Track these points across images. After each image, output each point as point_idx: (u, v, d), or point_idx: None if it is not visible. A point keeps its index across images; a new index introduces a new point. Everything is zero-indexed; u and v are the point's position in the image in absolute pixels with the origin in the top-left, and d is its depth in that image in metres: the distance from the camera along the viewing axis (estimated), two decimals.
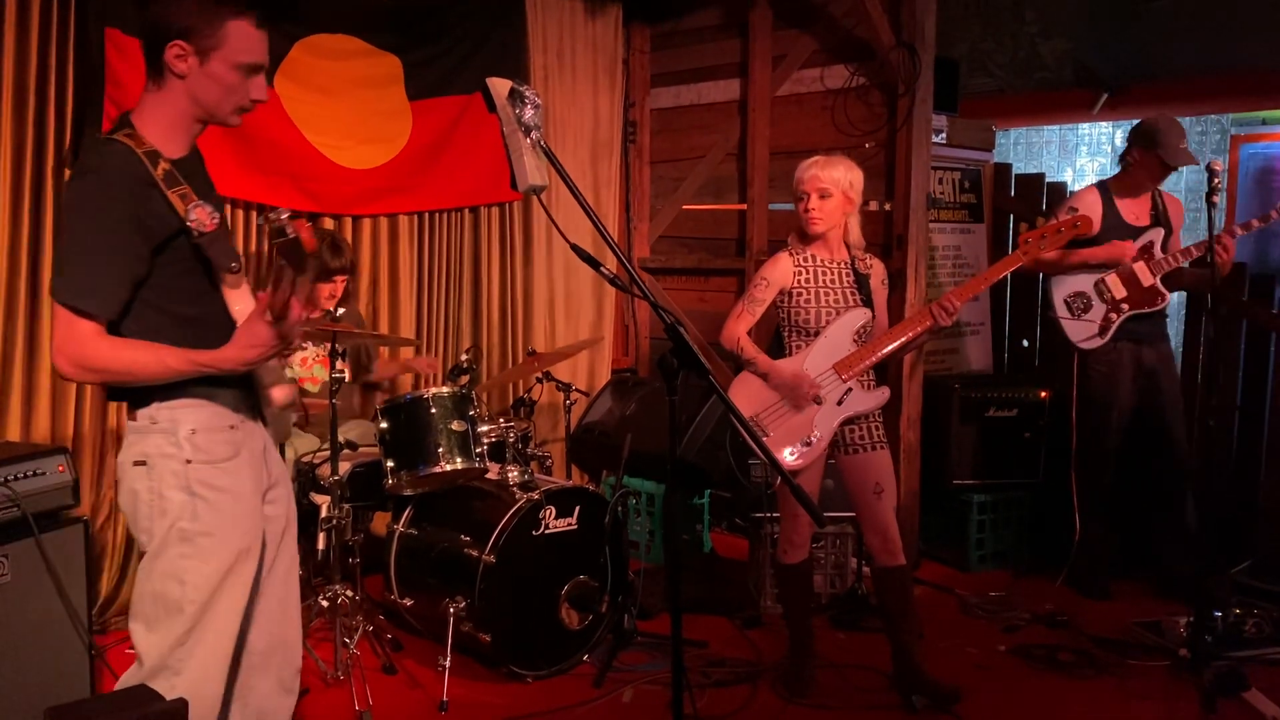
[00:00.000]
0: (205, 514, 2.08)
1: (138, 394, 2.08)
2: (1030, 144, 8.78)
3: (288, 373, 4.03)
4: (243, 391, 2.20)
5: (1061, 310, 4.28)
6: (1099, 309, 4.21)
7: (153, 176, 2.02)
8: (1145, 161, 4.16)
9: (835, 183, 3.25)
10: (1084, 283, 4.23)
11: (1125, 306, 4.17)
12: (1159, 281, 4.15)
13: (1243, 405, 4.63)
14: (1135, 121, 4.31)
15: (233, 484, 2.13)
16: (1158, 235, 4.18)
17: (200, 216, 2.02)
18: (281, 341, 2.01)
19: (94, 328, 1.98)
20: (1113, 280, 4.19)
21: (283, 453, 3.44)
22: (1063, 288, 4.29)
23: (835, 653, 3.74)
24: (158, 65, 2.06)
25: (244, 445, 2.18)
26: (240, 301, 2.15)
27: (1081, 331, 4.24)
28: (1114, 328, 4.19)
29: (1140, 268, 4.17)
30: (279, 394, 2.24)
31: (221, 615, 2.12)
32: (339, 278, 4.05)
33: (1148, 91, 6.08)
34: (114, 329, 2.02)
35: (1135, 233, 4.21)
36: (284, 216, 1.88)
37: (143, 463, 2.08)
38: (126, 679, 2.16)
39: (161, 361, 2.01)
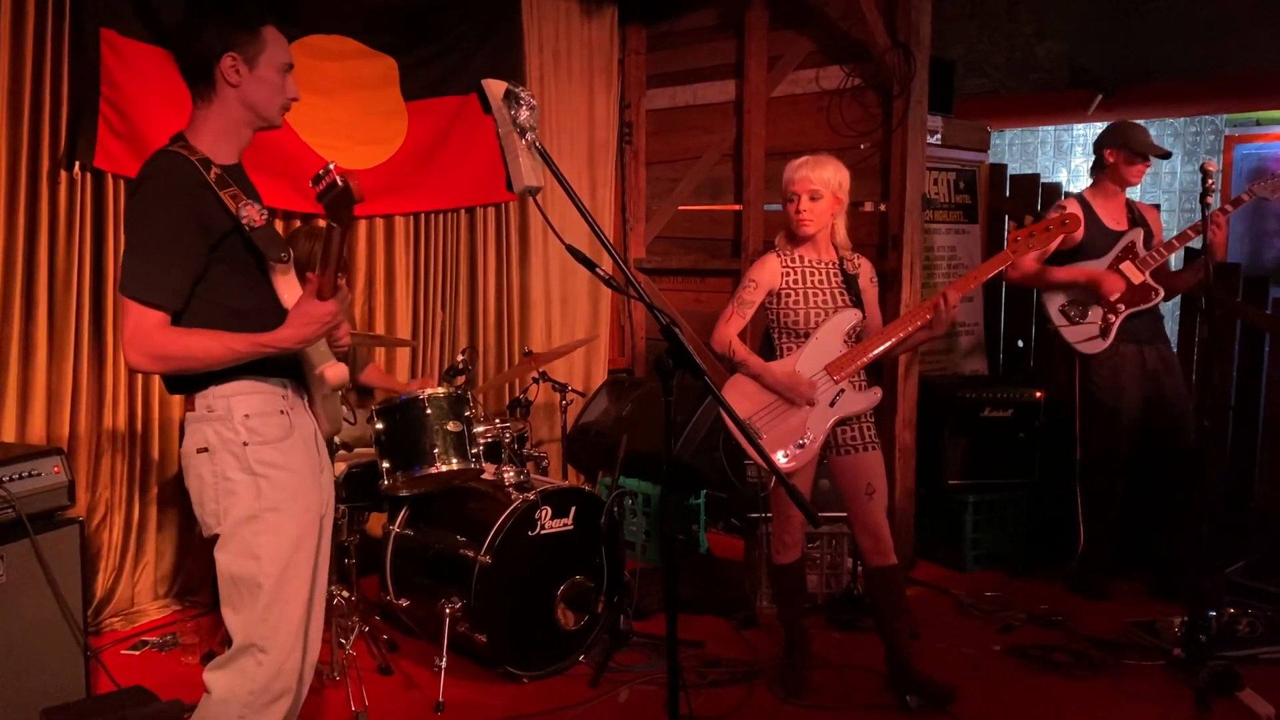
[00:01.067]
0: (268, 491, 2.20)
1: (194, 383, 2.20)
2: (1025, 145, 8.80)
3: None
4: (291, 379, 2.32)
5: (1059, 319, 4.28)
6: (1096, 311, 4.21)
7: (206, 179, 2.16)
8: (1118, 158, 4.23)
9: (825, 183, 3.25)
10: (1078, 288, 4.25)
11: (1121, 306, 4.18)
12: (1149, 277, 4.17)
13: (1237, 406, 4.64)
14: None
15: (289, 461, 2.25)
16: (1138, 235, 4.22)
17: (250, 214, 2.18)
18: (333, 318, 2.15)
19: (162, 318, 2.11)
20: (1104, 273, 4.19)
21: (332, 449, 3.45)
22: (1056, 297, 4.30)
23: (831, 653, 3.74)
24: (209, 82, 2.22)
25: (295, 428, 2.29)
26: (289, 290, 2.28)
27: (1082, 335, 4.24)
28: (1114, 329, 4.18)
29: (1128, 267, 4.19)
30: (331, 373, 2.36)
31: (295, 588, 2.25)
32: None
33: (1142, 93, 6.10)
34: (175, 322, 2.14)
35: (1116, 237, 4.24)
36: (331, 167, 2.01)
37: (205, 449, 2.20)
38: (219, 660, 2.24)
39: (226, 345, 2.13)
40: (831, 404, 3.28)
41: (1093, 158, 4.42)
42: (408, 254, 4.81)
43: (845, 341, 3.31)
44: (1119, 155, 4.24)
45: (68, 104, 3.74)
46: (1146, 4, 6.03)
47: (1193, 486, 4.23)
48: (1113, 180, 4.28)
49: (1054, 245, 4.18)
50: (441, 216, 4.93)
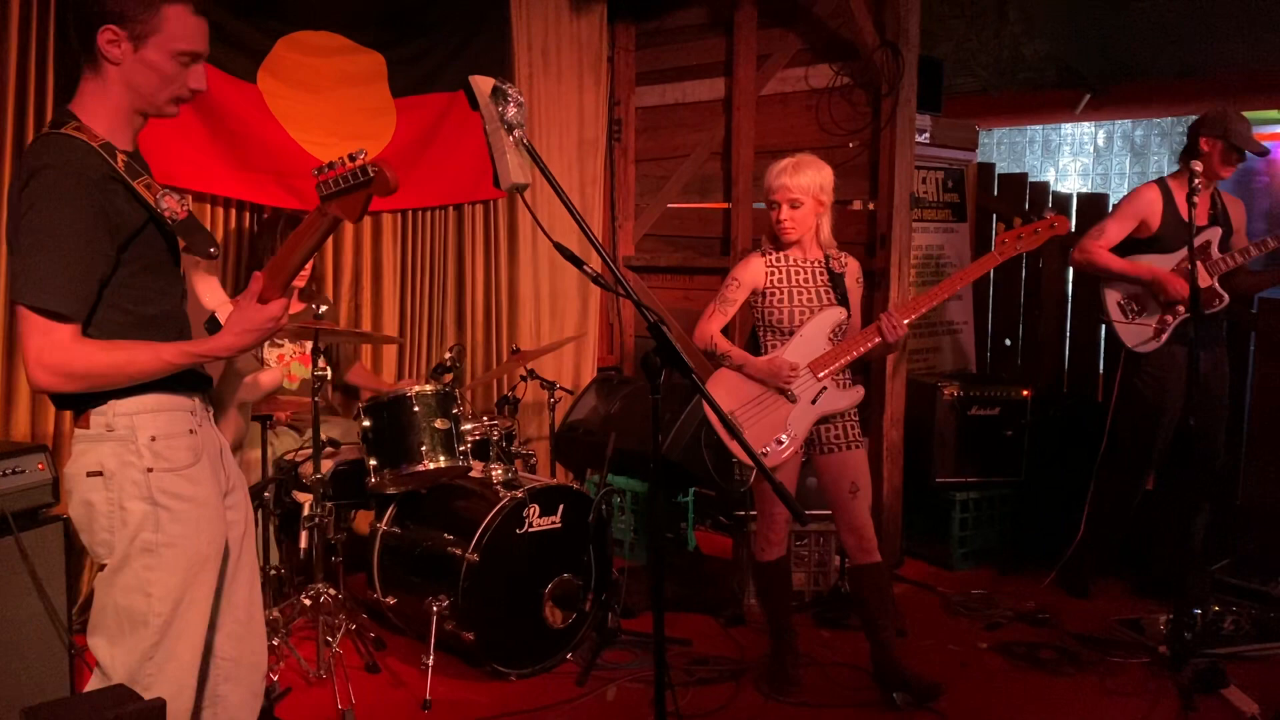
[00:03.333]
0: (168, 524, 2.01)
1: (91, 398, 1.97)
2: (1013, 144, 8.83)
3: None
4: (201, 392, 2.15)
5: (1115, 313, 4.16)
6: (1154, 310, 4.09)
7: (114, 169, 1.94)
8: (1214, 149, 4.01)
9: (805, 190, 3.25)
10: (1139, 283, 4.10)
11: (1181, 309, 4.02)
12: (1216, 282, 4.01)
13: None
14: (1116, 122, 4.32)
15: (195, 491, 2.06)
16: (1215, 235, 4.04)
17: (171, 205, 1.98)
18: (275, 324, 1.98)
19: (72, 331, 1.89)
20: (1169, 275, 4.04)
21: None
22: (1116, 290, 4.17)
23: (818, 650, 3.75)
24: (91, 53, 1.96)
25: (203, 450, 2.11)
26: (210, 292, 2.12)
27: (1136, 335, 4.12)
28: (1169, 330, 4.06)
29: (1198, 268, 3.97)
30: (266, 379, 2.23)
31: (189, 626, 2.06)
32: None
33: (1129, 92, 6.13)
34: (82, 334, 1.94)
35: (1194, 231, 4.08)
36: (360, 152, 1.84)
37: (98, 473, 1.98)
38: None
39: (157, 356, 1.94)
40: (813, 401, 3.29)
41: (1080, 158, 4.39)
42: (395, 251, 4.80)
43: (830, 339, 3.31)
44: (1215, 146, 4.00)
45: (52, 100, 3.70)
46: (1134, 4, 6.06)
47: (1209, 491, 4.16)
48: (1203, 170, 3.95)
49: (1113, 231, 4.06)
50: (429, 213, 4.91)
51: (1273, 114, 7.36)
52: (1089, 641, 3.79)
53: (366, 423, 3.58)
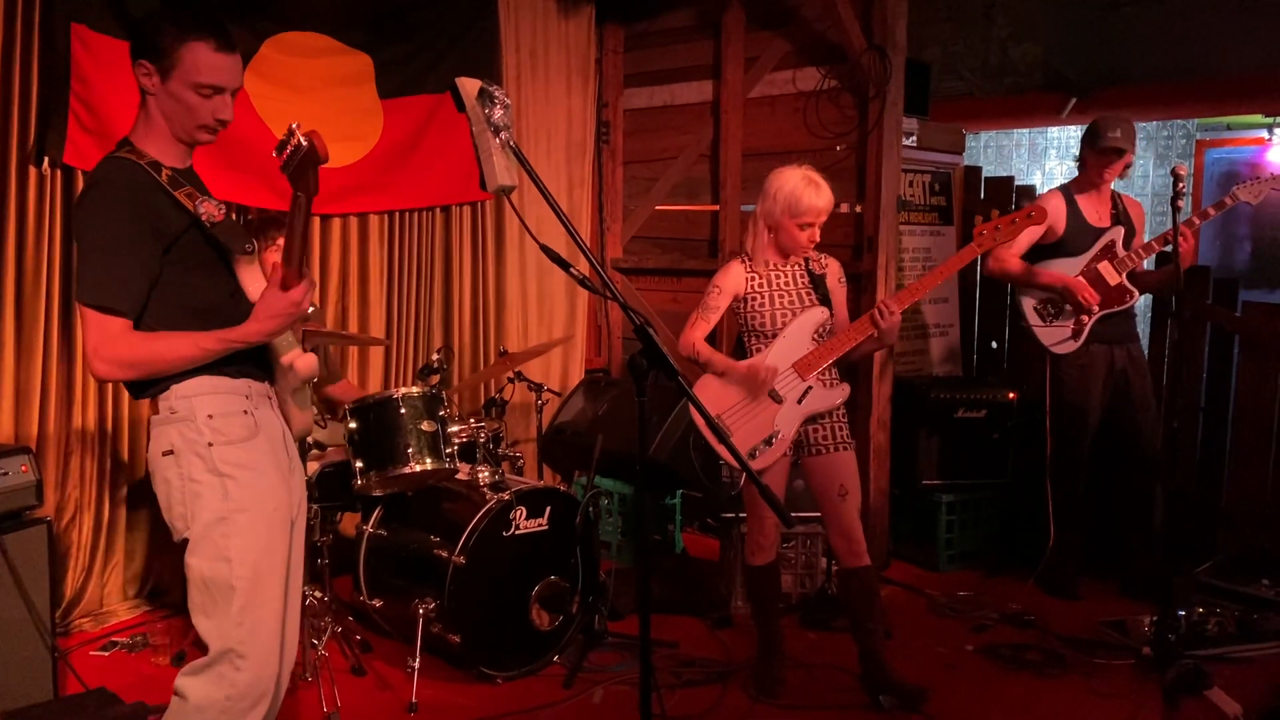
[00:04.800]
0: (235, 491, 2.17)
1: (157, 386, 2.18)
2: (1000, 147, 8.86)
3: None
4: (254, 377, 2.30)
5: (1033, 318, 4.31)
6: (1069, 313, 4.24)
7: (157, 182, 2.15)
8: (1091, 157, 4.23)
9: (830, 207, 3.30)
10: (1052, 289, 4.26)
11: (1096, 309, 4.21)
12: (1125, 279, 4.20)
13: (1206, 407, 4.69)
14: None
15: (255, 461, 2.22)
16: (1119, 234, 4.23)
17: (209, 209, 2.18)
18: (298, 308, 2.13)
19: (124, 324, 2.09)
20: (1079, 284, 4.22)
21: (304, 449, 3.41)
22: (1032, 295, 4.33)
23: (805, 653, 3.75)
24: (139, 85, 2.19)
25: (261, 428, 2.26)
26: (254, 282, 2.28)
27: (1054, 336, 4.27)
28: (1086, 330, 4.21)
29: (1105, 267, 4.21)
30: (300, 364, 2.35)
31: (269, 589, 2.21)
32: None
33: (1115, 96, 6.16)
34: (135, 328, 2.12)
35: (1097, 233, 4.25)
36: (294, 127, 1.97)
37: (170, 452, 2.18)
38: (194, 666, 2.19)
39: (196, 344, 2.12)
40: (799, 401, 3.30)
41: (1067, 161, 4.45)
42: (382, 252, 4.79)
43: (813, 339, 3.33)
44: (1089, 153, 4.24)
45: (37, 99, 3.69)
46: (1120, 8, 6.09)
47: (1150, 484, 4.28)
48: (1092, 177, 4.27)
49: (1024, 239, 4.20)
50: (417, 215, 4.90)
51: (1257, 118, 7.40)
52: (1074, 643, 3.81)
53: (353, 425, 3.57)
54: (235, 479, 2.18)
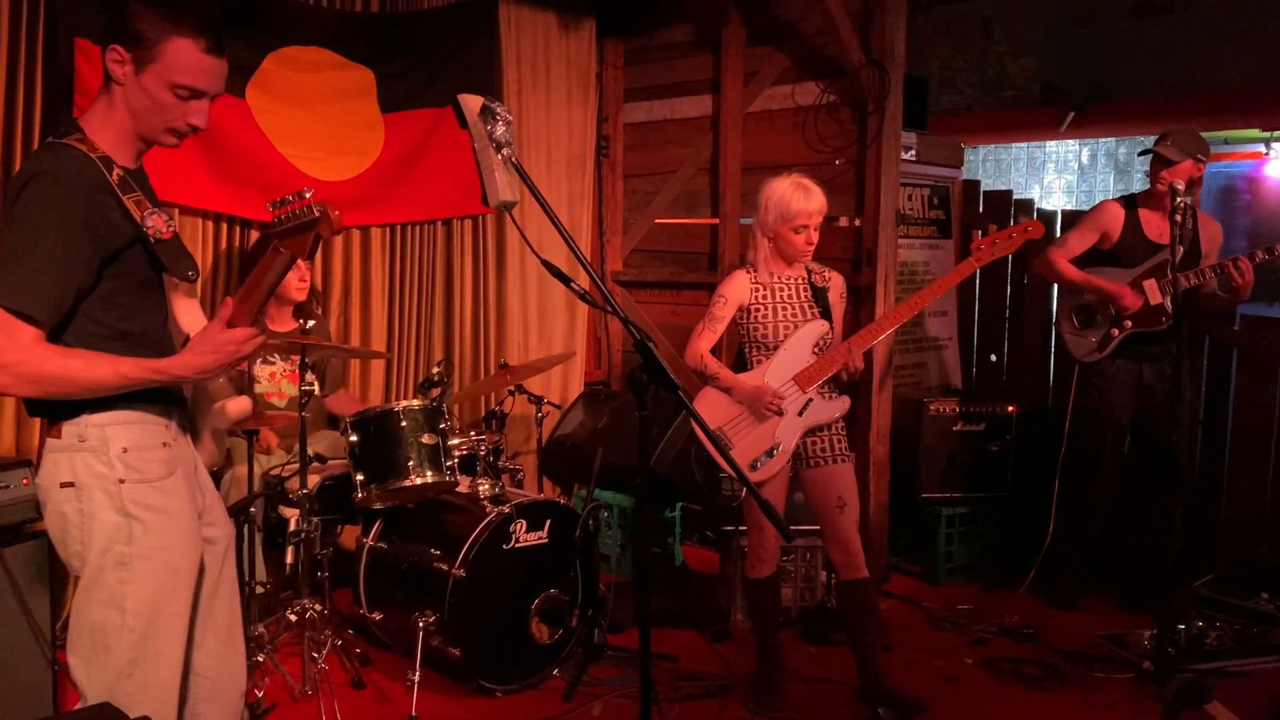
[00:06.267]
0: (141, 536, 2.00)
1: (63, 408, 1.97)
2: (998, 161, 8.89)
3: (255, 388, 4.00)
4: (177, 409, 2.13)
5: (1065, 323, 4.28)
6: (1102, 324, 4.18)
7: (109, 183, 1.96)
8: (1154, 167, 4.11)
9: (823, 209, 3.33)
10: (1093, 293, 4.19)
11: (1128, 324, 4.12)
12: (1168, 301, 4.04)
13: (1205, 420, 4.70)
14: (1100, 140, 4.36)
15: (168, 503, 2.05)
16: (1178, 254, 4.02)
17: (157, 224, 1.99)
18: (239, 349, 1.95)
19: (35, 334, 1.87)
20: (1121, 289, 4.11)
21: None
22: (1071, 299, 4.28)
23: (804, 666, 3.75)
24: (105, 68, 1.99)
25: (178, 464, 2.10)
26: (189, 314, 2.12)
27: (1081, 346, 4.24)
28: (1114, 344, 4.16)
29: (1150, 285, 4.10)
30: (234, 408, 2.21)
31: (167, 643, 2.05)
32: (303, 262, 4.03)
33: (1113, 110, 6.20)
34: (50, 339, 1.92)
35: (1155, 248, 4.14)
36: (306, 191, 1.84)
37: (70, 484, 1.97)
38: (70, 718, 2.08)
39: (116, 370, 1.92)
40: (800, 413, 3.31)
41: (1065, 175, 4.44)
42: (383, 266, 4.80)
43: (814, 352, 3.34)
44: (1154, 165, 4.10)
45: (40, 113, 3.71)
46: (1117, 23, 6.12)
47: (1173, 502, 4.22)
48: (1155, 189, 4.11)
49: (1075, 243, 4.16)
50: (418, 228, 4.92)
51: (1254, 133, 7.43)
52: (1073, 657, 3.81)
53: (354, 438, 3.58)
54: (143, 522, 1.99)
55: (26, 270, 1.86)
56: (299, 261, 3.95)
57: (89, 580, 2.00)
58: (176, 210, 3.97)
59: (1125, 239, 4.18)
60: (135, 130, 2.02)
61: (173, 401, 2.11)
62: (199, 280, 4.13)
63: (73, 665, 2.04)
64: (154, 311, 2.09)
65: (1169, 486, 4.14)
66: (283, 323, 4.13)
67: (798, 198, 3.28)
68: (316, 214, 1.83)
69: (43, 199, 1.90)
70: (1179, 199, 3.59)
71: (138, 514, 1.99)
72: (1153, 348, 4.15)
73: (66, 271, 1.90)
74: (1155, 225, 4.18)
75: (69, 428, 1.98)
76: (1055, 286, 4.73)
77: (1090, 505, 4.33)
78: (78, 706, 2.05)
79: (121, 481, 1.98)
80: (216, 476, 3.92)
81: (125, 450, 1.99)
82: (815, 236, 3.34)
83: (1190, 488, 3.98)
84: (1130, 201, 4.28)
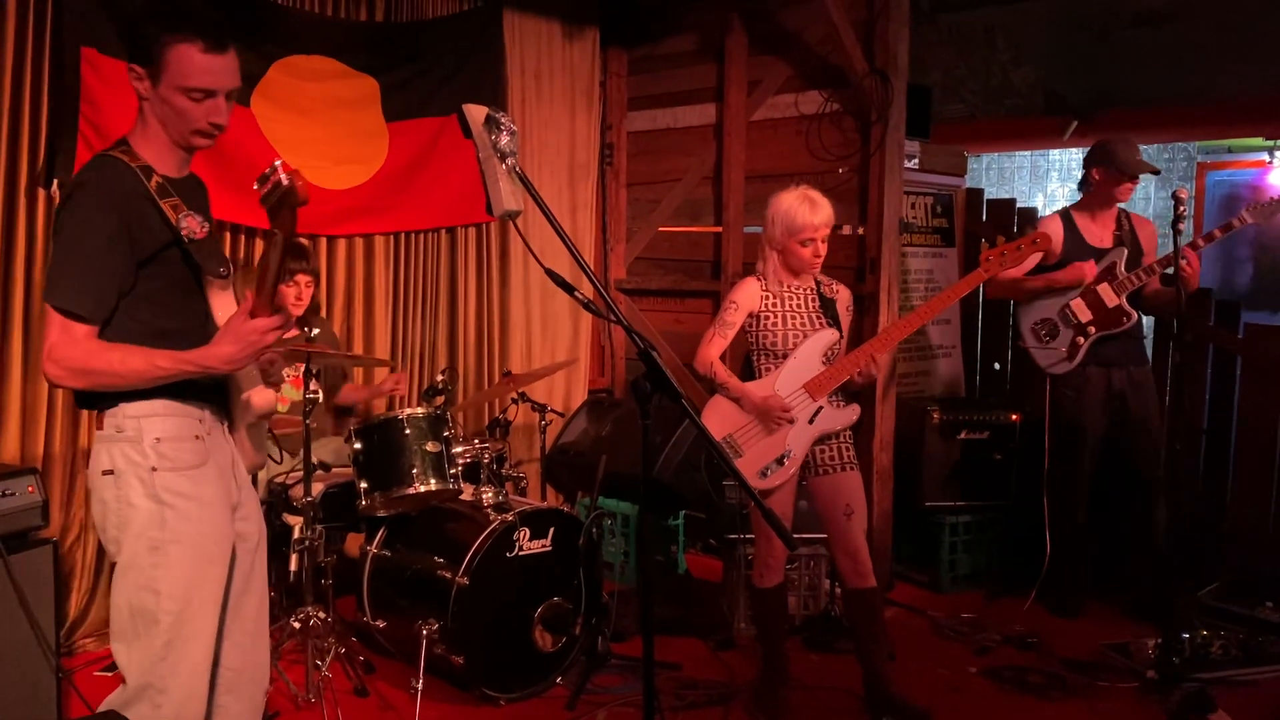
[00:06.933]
0: (173, 521, 2.09)
1: (106, 401, 2.09)
2: (1002, 169, 8.90)
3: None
4: (211, 404, 2.22)
5: (1029, 339, 4.33)
6: (1065, 334, 4.25)
7: (146, 189, 2.08)
8: (1105, 178, 4.21)
9: (830, 222, 3.33)
10: (1049, 309, 4.29)
11: (1092, 329, 4.21)
12: (1124, 301, 4.18)
13: (1209, 429, 4.69)
14: None
15: (199, 491, 2.14)
16: (1120, 255, 4.22)
17: (191, 225, 2.11)
18: (263, 337, 2.04)
19: (88, 330, 2.03)
20: (1077, 305, 4.23)
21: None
22: (1029, 316, 4.34)
23: (808, 674, 3.74)
24: (133, 87, 2.13)
25: (211, 455, 2.19)
26: (225, 310, 2.20)
27: (1049, 358, 4.29)
28: (1082, 351, 4.22)
29: (1104, 288, 4.21)
30: (258, 398, 2.27)
31: (198, 626, 2.13)
32: (301, 277, 4.03)
33: (1116, 119, 6.19)
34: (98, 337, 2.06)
35: (1097, 254, 4.25)
36: (278, 164, 1.91)
37: (110, 472, 2.10)
38: (111, 701, 2.14)
39: (151, 361, 2.04)
40: (810, 421, 3.32)
41: (1069, 184, 4.46)
42: (387, 274, 4.81)
43: (823, 361, 3.35)
44: (1104, 173, 4.21)
45: (47, 121, 3.73)
46: (1120, 32, 6.13)
47: (1151, 504, 4.27)
48: (1100, 198, 4.26)
49: (1026, 262, 4.21)
50: (422, 236, 4.94)
51: (1258, 141, 7.43)
52: (1077, 666, 3.80)
53: (357, 445, 3.59)
54: (175, 508, 2.10)
55: (73, 273, 2.03)
56: (298, 277, 4.00)
57: (125, 564, 2.10)
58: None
59: (1068, 250, 4.26)
60: (170, 139, 2.15)
61: (207, 396, 2.20)
62: None
63: (115, 650, 2.13)
64: (192, 309, 2.20)
65: (1146, 490, 4.23)
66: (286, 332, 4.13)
67: (803, 211, 3.29)
68: (285, 183, 1.90)
69: (83, 206, 2.05)
70: (1180, 208, 3.70)
71: (170, 500, 2.09)
72: (1118, 351, 4.24)
73: (110, 273, 2.05)
74: (1094, 232, 4.30)
75: (109, 419, 2.10)
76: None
77: (1074, 513, 4.34)
78: (111, 695, 2.12)
79: (154, 469, 2.09)
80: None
81: (158, 440, 2.10)
82: (823, 249, 3.34)
83: (1173, 490, 3.99)
84: (1066, 214, 4.36)
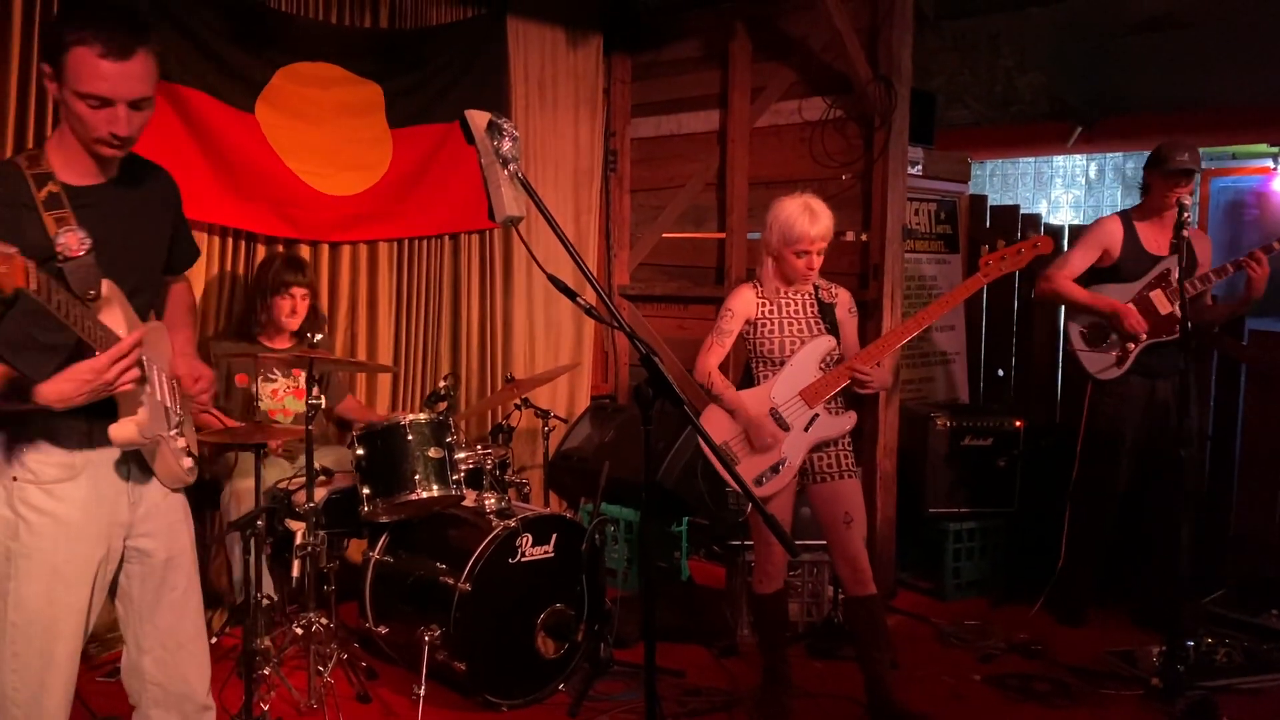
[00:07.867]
0: (25, 535, 2.06)
1: None
2: (1006, 176, 8.89)
3: (261, 405, 4.00)
4: (101, 419, 2.09)
5: (1078, 342, 4.25)
6: (1116, 339, 4.16)
7: (33, 199, 1.97)
8: (1156, 182, 4.12)
9: (828, 235, 3.31)
10: (1099, 313, 4.18)
11: (1142, 336, 4.11)
12: (1177, 309, 4.01)
13: (1214, 435, 4.68)
14: (1108, 155, 4.35)
15: (56, 507, 2.07)
16: (1174, 263, 4.02)
17: (68, 241, 1.96)
18: (96, 377, 1.94)
19: None
20: (1127, 310, 4.12)
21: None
22: (1079, 318, 4.26)
23: (811, 682, 3.73)
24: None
25: (84, 471, 2.11)
26: (124, 324, 2.06)
27: (1099, 363, 4.20)
28: (1131, 358, 4.13)
29: (1157, 295, 4.11)
30: (113, 431, 2.07)
31: (45, 645, 2.08)
32: (296, 290, 4.03)
33: (1120, 125, 6.20)
34: None
35: (1154, 260, 4.15)
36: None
37: None
38: None
39: None
40: (806, 428, 3.31)
41: (1073, 190, 4.44)
42: (391, 279, 4.82)
43: (821, 368, 3.34)
44: (1156, 177, 4.12)
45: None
46: (1125, 38, 6.13)
47: (1179, 519, 4.21)
48: (1156, 203, 4.14)
49: (1077, 261, 4.16)
50: (425, 242, 4.94)
51: (1262, 147, 7.42)
52: (1082, 673, 3.79)
53: (360, 451, 3.59)
54: (28, 523, 2.05)
55: None
56: (293, 290, 4.00)
57: None
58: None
59: (1125, 254, 4.19)
60: (80, 144, 2.02)
61: (96, 412, 2.06)
62: (203, 293, 4.16)
63: None
64: (83, 325, 2.03)
65: (1177, 503, 4.15)
66: (282, 343, 4.12)
67: (803, 221, 3.26)
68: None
69: None
70: (1184, 214, 3.65)
71: (24, 513, 2.06)
72: (1165, 361, 4.13)
73: None
74: (1153, 238, 4.20)
75: None
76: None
77: (1100, 522, 4.30)
78: None
79: (15, 479, 2.05)
80: (215, 490, 3.94)
81: (23, 449, 2.06)
82: (817, 262, 3.32)
83: (1199, 504, 3.94)
84: (1126, 216, 4.29)
